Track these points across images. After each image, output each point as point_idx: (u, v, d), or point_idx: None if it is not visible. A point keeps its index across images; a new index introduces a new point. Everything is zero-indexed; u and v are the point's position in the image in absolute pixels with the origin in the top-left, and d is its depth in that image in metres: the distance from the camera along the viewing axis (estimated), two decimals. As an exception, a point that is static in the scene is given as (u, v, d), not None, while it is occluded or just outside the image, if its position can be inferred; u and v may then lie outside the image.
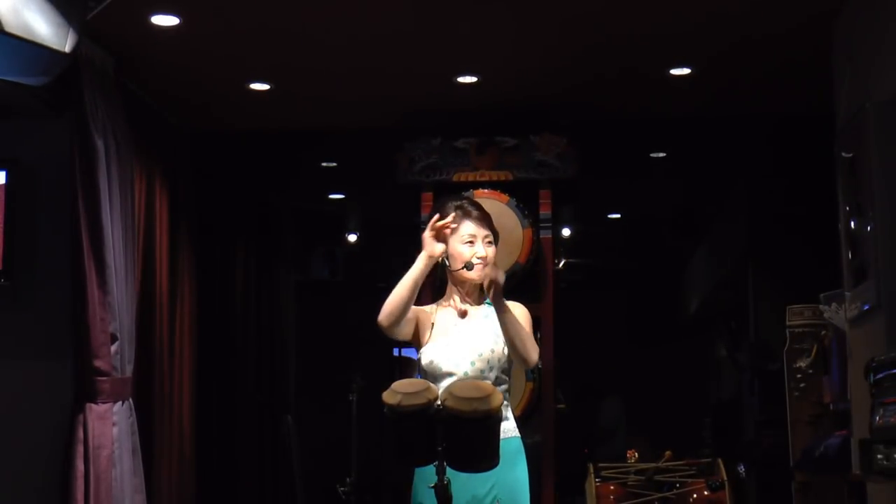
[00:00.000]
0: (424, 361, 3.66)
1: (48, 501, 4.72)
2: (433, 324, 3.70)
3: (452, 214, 3.66)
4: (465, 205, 3.74)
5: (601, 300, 10.55)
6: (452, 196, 3.88)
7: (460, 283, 3.72)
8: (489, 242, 3.70)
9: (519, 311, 3.74)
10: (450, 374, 3.60)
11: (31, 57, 3.61)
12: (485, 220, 3.72)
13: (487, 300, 3.75)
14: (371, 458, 5.91)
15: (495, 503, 3.53)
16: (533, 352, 3.61)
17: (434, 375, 3.62)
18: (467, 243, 3.68)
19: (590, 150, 6.01)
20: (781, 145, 6.45)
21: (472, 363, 3.59)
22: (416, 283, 3.57)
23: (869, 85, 4.26)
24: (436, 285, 3.84)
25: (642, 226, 9.12)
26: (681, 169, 7.25)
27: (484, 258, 3.68)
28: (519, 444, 3.66)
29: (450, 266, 3.70)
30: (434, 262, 3.62)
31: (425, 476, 3.52)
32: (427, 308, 3.76)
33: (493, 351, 3.61)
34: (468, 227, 3.69)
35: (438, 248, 3.61)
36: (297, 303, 7.84)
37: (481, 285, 3.74)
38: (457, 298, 3.74)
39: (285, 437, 7.15)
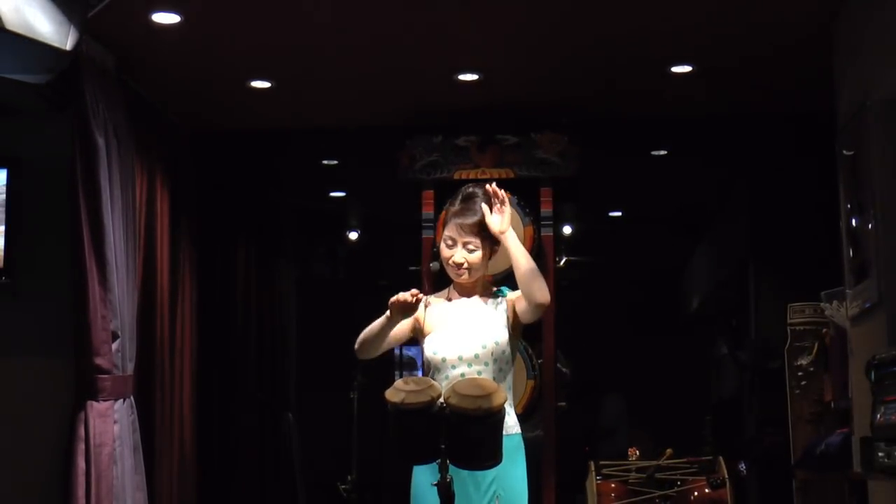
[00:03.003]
0: (428, 352, 3.68)
1: (50, 499, 4.74)
2: (428, 314, 3.71)
3: (421, 299, 3.59)
4: (467, 202, 3.69)
5: (602, 298, 10.55)
6: (475, 185, 3.79)
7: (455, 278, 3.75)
8: (471, 250, 3.67)
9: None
10: (454, 365, 3.61)
11: (32, 55, 3.61)
12: (476, 228, 3.65)
13: (496, 291, 3.77)
14: (372, 456, 5.91)
15: (495, 499, 3.55)
16: (539, 293, 3.56)
17: (438, 366, 3.63)
18: (447, 245, 3.70)
19: (591, 147, 6.02)
20: (783, 143, 6.46)
21: (476, 354, 3.60)
22: (380, 330, 3.61)
23: (870, 83, 4.26)
24: (434, 281, 3.86)
25: (643, 224, 9.12)
26: (682, 167, 7.25)
27: (460, 265, 3.68)
28: (519, 441, 3.68)
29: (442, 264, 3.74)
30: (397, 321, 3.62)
31: (424, 474, 3.53)
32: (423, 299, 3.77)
33: (497, 343, 3.63)
34: (450, 230, 3.69)
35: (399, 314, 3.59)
36: (298, 300, 7.84)
37: (482, 282, 3.76)
38: (455, 292, 3.76)
39: (286, 434, 7.15)
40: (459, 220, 3.67)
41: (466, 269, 3.68)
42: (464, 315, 3.71)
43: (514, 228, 5.70)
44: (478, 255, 3.67)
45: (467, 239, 3.66)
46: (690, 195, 8.23)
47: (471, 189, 3.74)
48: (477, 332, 3.65)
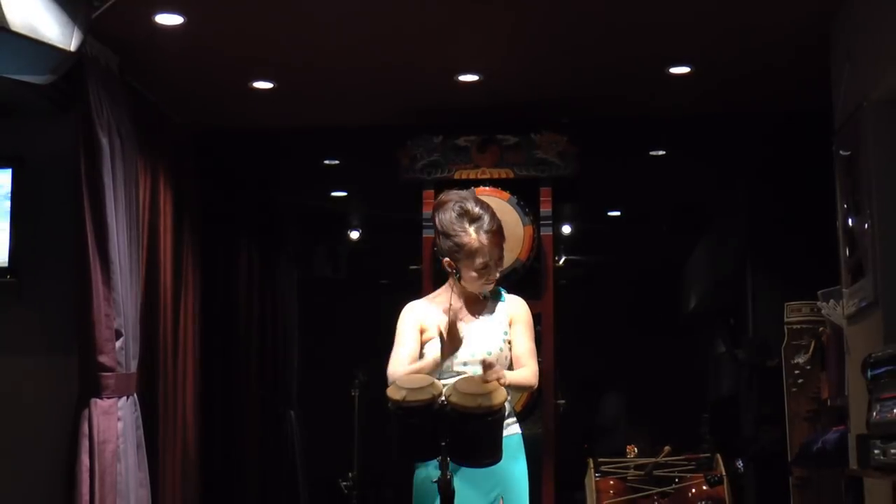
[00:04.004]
0: (434, 353, 3.65)
1: (54, 495, 4.74)
2: (428, 319, 3.70)
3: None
4: (483, 225, 3.62)
5: (601, 297, 10.55)
6: (461, 203, 3.71)
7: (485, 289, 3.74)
8: (500, 257, 3.69)
9: (519, 305, 3.76)
10: (458, 373, 3.61)
11: (37, 56, 3.61)
12: (496, 238, 3.64)
13: (495, 292, 3.77)
14: (373, 453, 5.92)
15: (499, 499, 3.55)
16: (533, 381, 3.66)
17: (442, 371, 3.62)
18: (483, 268, 3.66)
19: (590, 148, 6.02)
20: (780, 143, 6.46)
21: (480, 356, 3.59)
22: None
23: (867, 84, 4.27)
24: (434, 277, 3.86)
25: (642, 223, 9.12)
26: (680, 167, 7.25)
27: (495, 276, 3.70)
28: (519, 441, 3.68)
29: (461, 277, 3.69)
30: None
31: (427, 471, 3.54)
32: (423, 304, 3.76)
33: (500, 350, 3.63)
34: (482, 256, 3.62)
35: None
36: (299, 299, 7.84)
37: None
38: (460, 299, 3.75)
39: (288, 432, 7.16)
40: (488, 245, 3.62)
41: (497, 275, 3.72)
42: (465, 321, 3.70)
43: (514, 228, 5.75)
44: (503, 259, 3.72)
45: (499, 253, 3.68)
46: (688, 195, 8.23)
47: (469, 212, 3.65)
48: (480, 339, 3.64)
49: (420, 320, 3.70)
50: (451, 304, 3.65)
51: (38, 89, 4.53)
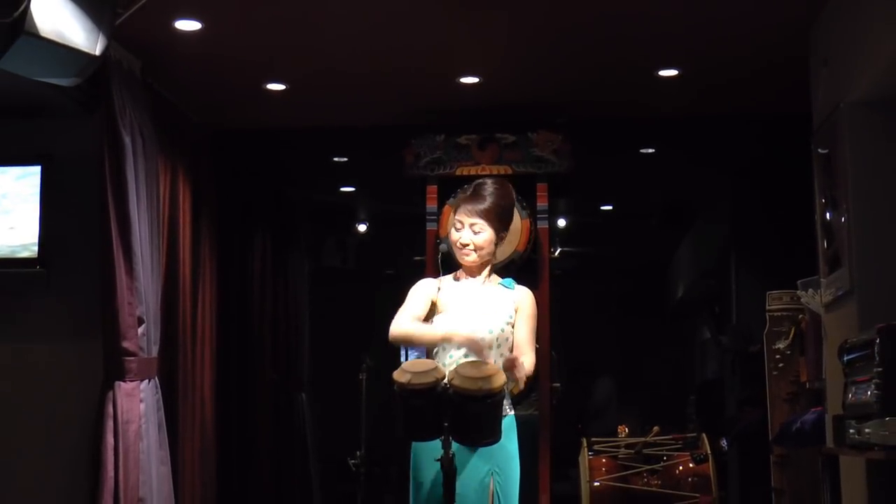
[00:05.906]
0: None
1: (81, 471, 4.78)
2: (440, 294, 3.72)
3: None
4: (477, 190, 3.72)
5: (594, 287, 10.57)
6: (487, 177, 3.86)
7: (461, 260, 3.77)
8: (477, 231, 3.67)
9: (525, 296, 3.76)
10: (460, 345, 3.62)
11: (64, 60, 3.64)
12: (482, 212, 3.66)
13: (501, 282, 3.78)
14: (379, 433, 5.94)
15: (491, 475, 3.57)
16: (531, 370, 3.64)
17: (445, 345, 3.64)
18: (456, 229, 3.71)
19: (584, 146, 6.03)
20: (762, 142, 6.47)
21: (482, 338, 3.60)
22: (427, 343, 3.65)
23: (843, 87, 4.28)
24: (436, 266, 3.88)
25: (633, 217, 9.14)
26: (668, 164, 7.26)
27: (466, 245, 3.70)
28: (512, 422, 3.68)
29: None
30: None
31: (424, 450, 3.55)
32: (434, 281, 3.78)
33: (502, 331, 3.65)
34: (459, 214, 3.72)
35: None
36: (310, 288, 7.87)
37: (490, 268, 3.77)
38: (463, 275, 3.77)
39: (300, 413, 7.19)
40: (468, 205, 3.69)
41: (472, 249, 3.69)
42: (472, 299, 3.71)
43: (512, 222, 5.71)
44: (483, 237, 3.68)
45: (474, 220, 3.67)
46: (676, 191, 8.25)
47: (482, 179, 3.80)
48: (484, 316, 3.66)
49: (432, 292, 3.72)
50: (458, 278, 3.74)
51: (66, 91, 4.54)
